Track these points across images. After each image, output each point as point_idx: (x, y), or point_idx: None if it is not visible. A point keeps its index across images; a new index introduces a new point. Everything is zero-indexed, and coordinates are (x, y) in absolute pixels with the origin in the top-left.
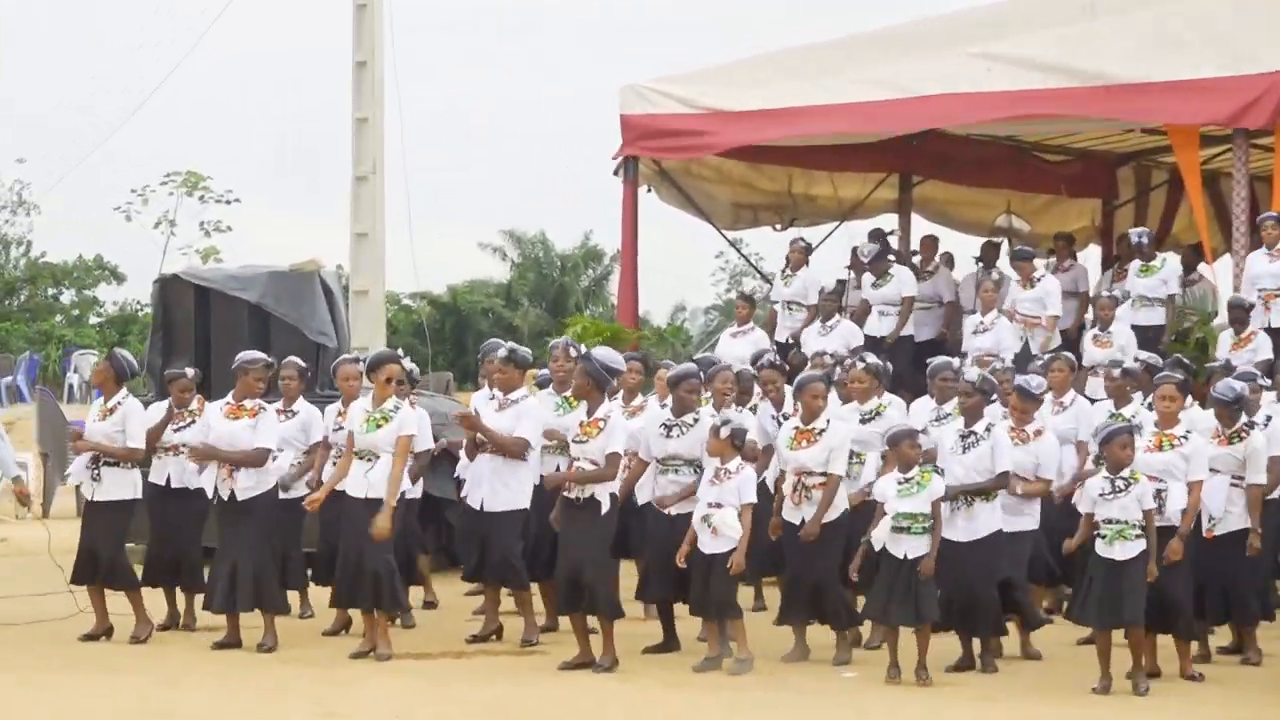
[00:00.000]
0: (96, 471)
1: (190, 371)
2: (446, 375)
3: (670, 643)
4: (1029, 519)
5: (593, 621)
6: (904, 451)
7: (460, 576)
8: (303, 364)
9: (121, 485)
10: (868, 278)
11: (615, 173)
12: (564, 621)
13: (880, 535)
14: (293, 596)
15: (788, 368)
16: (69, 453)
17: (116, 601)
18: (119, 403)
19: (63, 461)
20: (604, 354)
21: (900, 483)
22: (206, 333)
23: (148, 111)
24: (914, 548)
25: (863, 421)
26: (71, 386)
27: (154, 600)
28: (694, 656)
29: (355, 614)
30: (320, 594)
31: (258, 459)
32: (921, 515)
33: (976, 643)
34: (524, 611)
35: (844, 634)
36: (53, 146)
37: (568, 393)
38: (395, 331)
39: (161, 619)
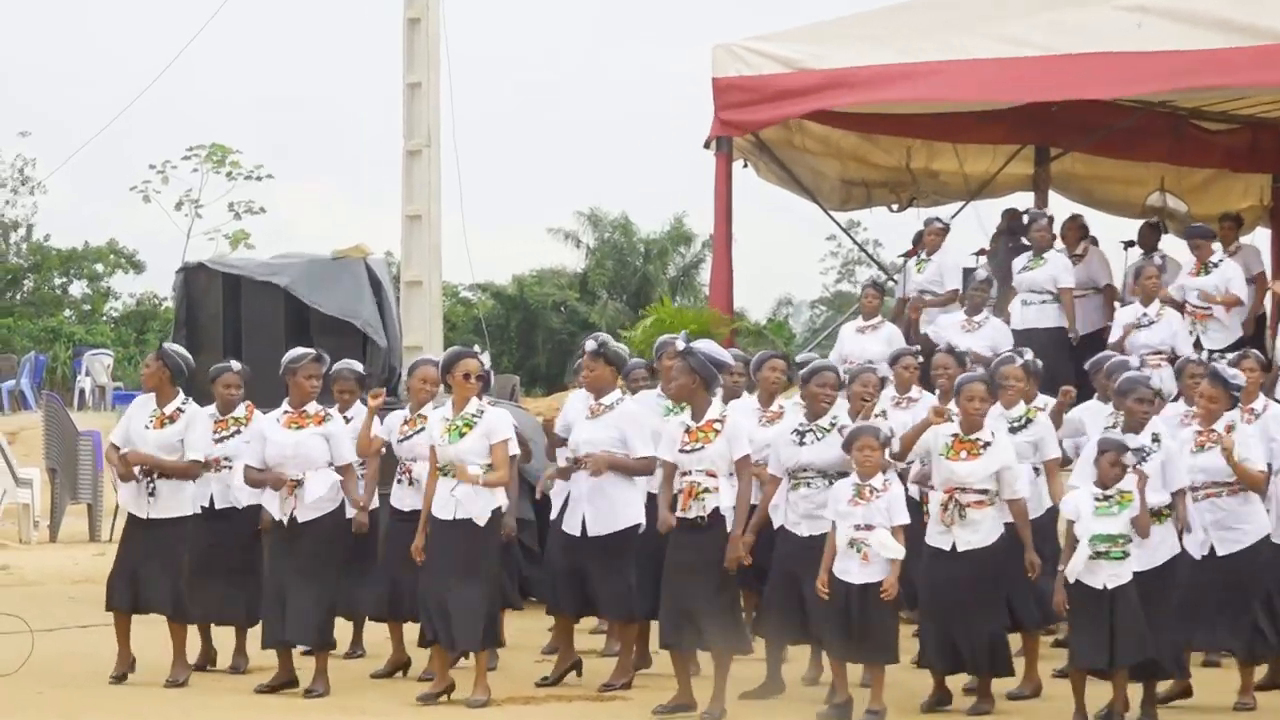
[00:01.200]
0: (152, 485)
1: (236, 365)
2: (512, 379)
3: (774, 684)
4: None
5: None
6: (1106, 465)
7: (546, 610)
8: (361, 369)
9: (180, 500)
10: (1017, 262)
11: (706, 146)
12: (657, 659)
13: (1076, 565)
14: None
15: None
16: (80, 467)
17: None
18: (179, 409)
19: (72, 478)
20: (708, 347)
21: (1098, 500)
22: (237, 329)
23: (168, 80)
24: (1114, 575)
25: (1012, 430)
26: (83, 391)
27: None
28: (800, 702)
29: (416, 651)
30: (374, 630)
31: (346, 475)
32: (1121, 538)
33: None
34: (625, 650)
35: (987, 686)
36: (62, 117)
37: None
38: (453, 328)
39: (196, 658)
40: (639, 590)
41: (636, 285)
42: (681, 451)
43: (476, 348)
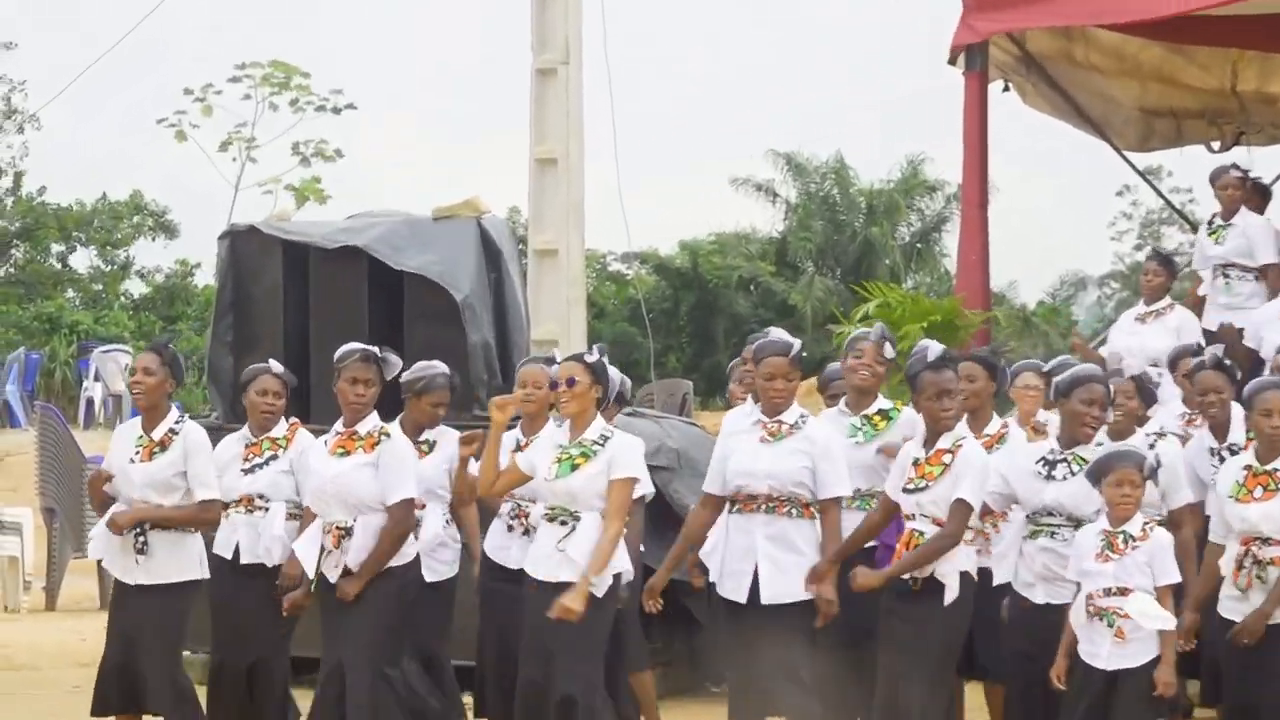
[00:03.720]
0: (142, 540)
1: (276, 367)
2: (683, 385)
3: None
4: None
5: None
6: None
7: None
8: (448, 371)
9: (178, 559)
10: None
11: (952, 61)
12: None
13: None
14: None
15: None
16: (87, 507)
17: None
18: (172, 430)
19: (77, 522)
20: (933, 350)
21: None
22: (303, 317)
23: None
24: None
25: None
26: (90, 402)
27: None
28: None
29: None
30: None
31: (402, 519)
32: None
33: None
34: None
35: None
36: (60, 25)
37: (871, 410)
38: (600, 315)
39: None
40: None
41: (855, 256)
42: (905, 490)
43: (596, 350)
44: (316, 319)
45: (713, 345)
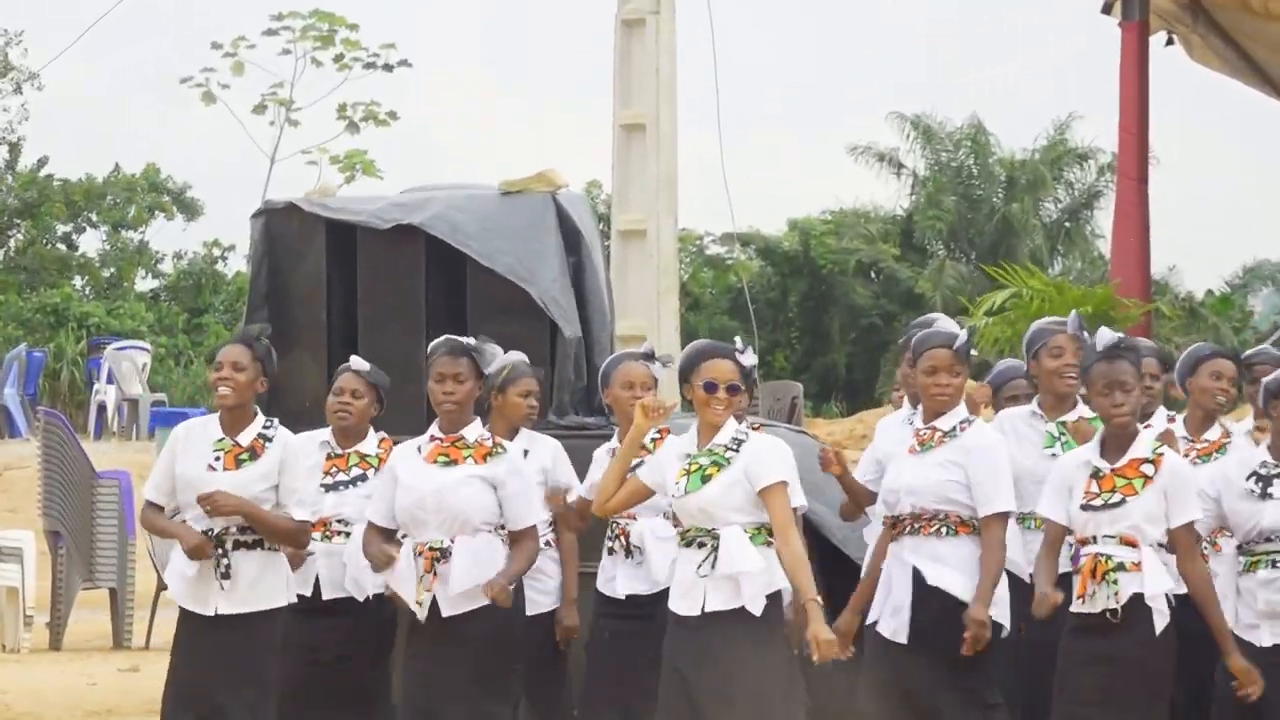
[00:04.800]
0: (226, 562)
1: (361, 365)
2: (792, 388)
3: None
4: None
5: None
6: None
7: None
8: (532, 368)
9: (272, 584)
10: None
11: (1107, 10)
12: None
13: None
14: None
15: None
16: (98, 530)
17: None
18: (263, 435)
19: (86, 548)
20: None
21: None
22: (350, 308)
23: None
24: None
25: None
26: (102, 408)
27: None
28: None
29: None
30: None
31: (537, 546)
32: None
33: None
34: None
35: None
36: None
37: (1072, 416)
38: (695, 306)
39: None
40: None
41: (992, 237)
42: (1085, 508)
43: (737, 341)
44: (366, 310)
45: (826, 341)
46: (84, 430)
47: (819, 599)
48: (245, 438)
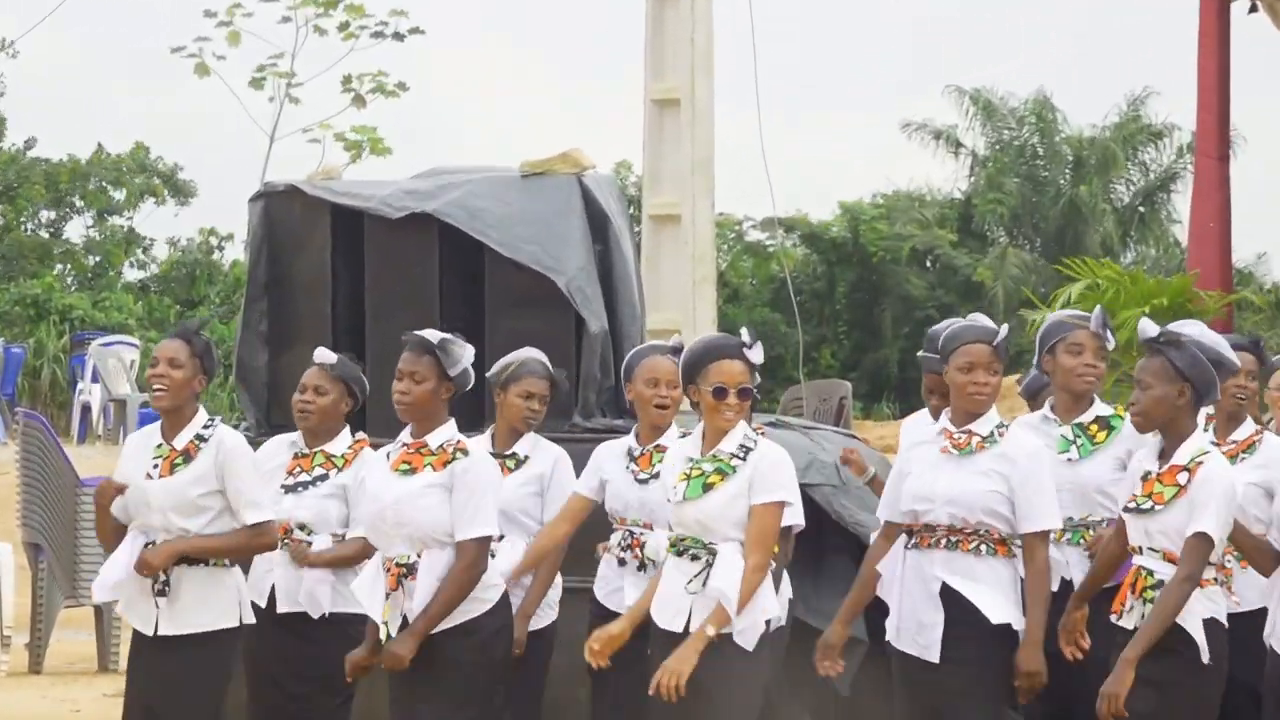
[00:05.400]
0: (163, 578)
1: (326, 356)
2: (840, 387)
3: None
4: None
5: None
6: None
7: None
8: (544, 359)
9: (212, 600)
10: None
11: None
12: None
13: None
14: None
15: None
16: (81, 542)
17: None
18: (198, 436)
19: (69, 561)
20: (1196, 331)
21: None
22: (356, 298)
23: None
24: None
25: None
26: (86, 409)
27: None
28: None
29: None
30: None
31: (474, 561)
32: None
33: None
34: None
35: None
36: None
37: (1087, 418)
38: (734, 298)
39: None
40: None
41: (1059, 222)
42: (1125, 510)
43: (744, 334)
44: (374, 301)
45: (877, 336)
46: (66, 434)
47: (718, 632)
48: (180, 440)
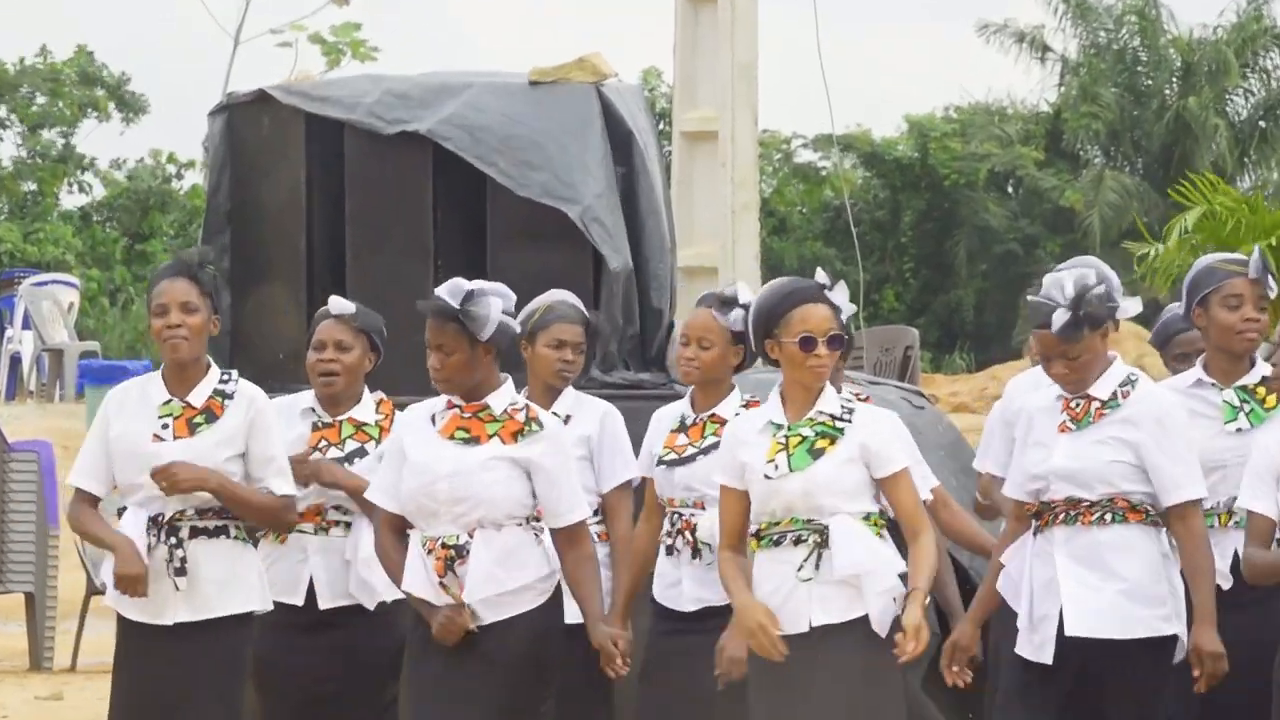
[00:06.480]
0: (181, 555)
1: (344, 306)
2: (905, 334)
3: None
4: None
5: None
6: None
7: None
8: (585, 311)
9: (234, 581)
10: None
11: None
12: None
13: None
14: None
15: None
16: (9, 519)
17: None
18: (219, 392)
19: None
20: None
21: None
22: (337, 229)
23: None
24: None
25: None
26: (16, 360)
27: None
28: None
29: None
30: None
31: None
32: None
33: None
34: None
35: None
36: None
37: (1253, 378)
38: (781, 229)
39: None
40: None
41: (1164, 140)
42: None
43: (820, 275)
44: (356, 233)
45: (949, 274)
46: None
47: (928, 593)
48: (198, 396)
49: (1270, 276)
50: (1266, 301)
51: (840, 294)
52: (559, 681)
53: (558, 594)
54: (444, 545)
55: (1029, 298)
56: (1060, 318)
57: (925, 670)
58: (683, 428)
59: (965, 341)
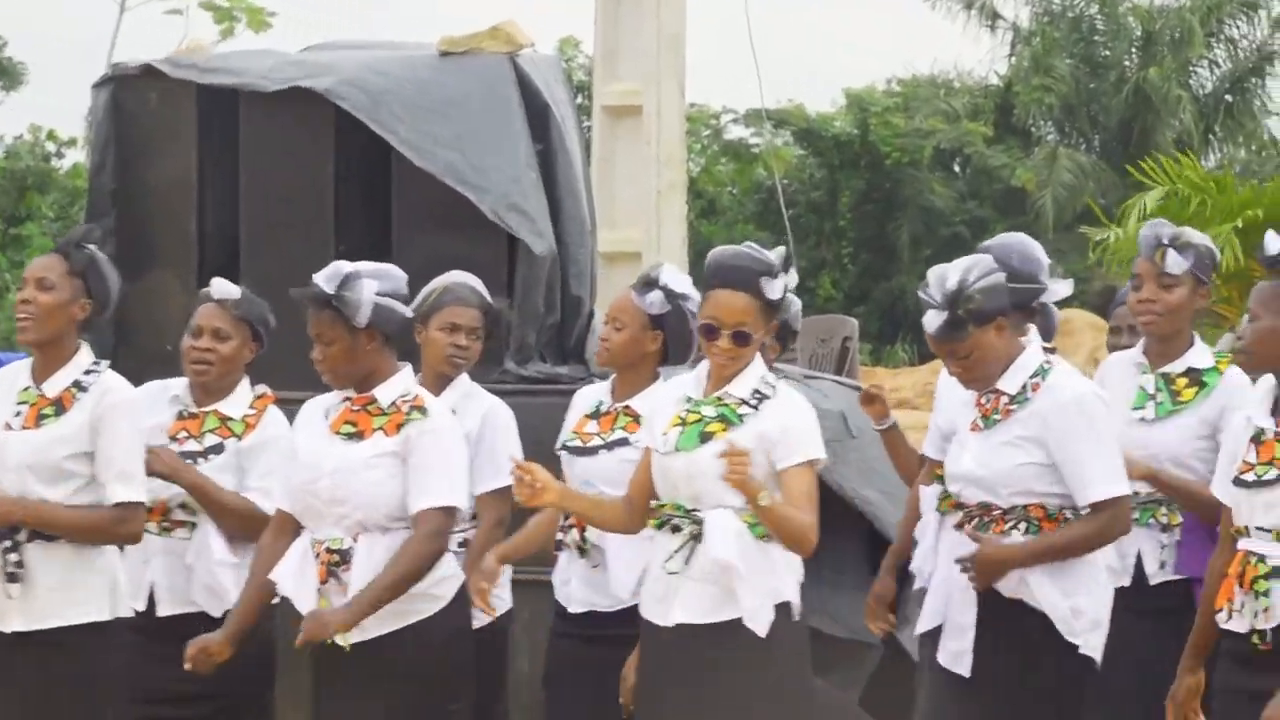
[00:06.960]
0: (16, 559)
1: (225, 289)
2: (844, 325)
3: None
4: None
5: None
6: None
7: None
8: (486, 295)
9: (78, 587)
10: None
11: None
12: None
13: None
14: None
15: None
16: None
17: None
18: (77, 383)
19: None
20: None
21: None
22: (230, 210)
23: None
24: None
25: None
26: None
27: None
28: None
29: None
30: None
31: (435, 533)
32: None
33: None
34: None
35: None
36: None
37: (1177, 368)
38: (710, 211)
39: None
40: None
41: (1123, 114)
42: (1236, 482)
43: (773, 256)
44: (250, 215)
45: (891, 260)
46: None
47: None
48: (53, 386)
49: (1172, 252)
50: (1170, 278)
51: (774, 285)
52: (471, 692)
53: (460, 598)
54: (329, 549)
55: (919, 293)
56: (934, 319)
57: (863, 689)
58: (596, 414)
59: (908, 332)
